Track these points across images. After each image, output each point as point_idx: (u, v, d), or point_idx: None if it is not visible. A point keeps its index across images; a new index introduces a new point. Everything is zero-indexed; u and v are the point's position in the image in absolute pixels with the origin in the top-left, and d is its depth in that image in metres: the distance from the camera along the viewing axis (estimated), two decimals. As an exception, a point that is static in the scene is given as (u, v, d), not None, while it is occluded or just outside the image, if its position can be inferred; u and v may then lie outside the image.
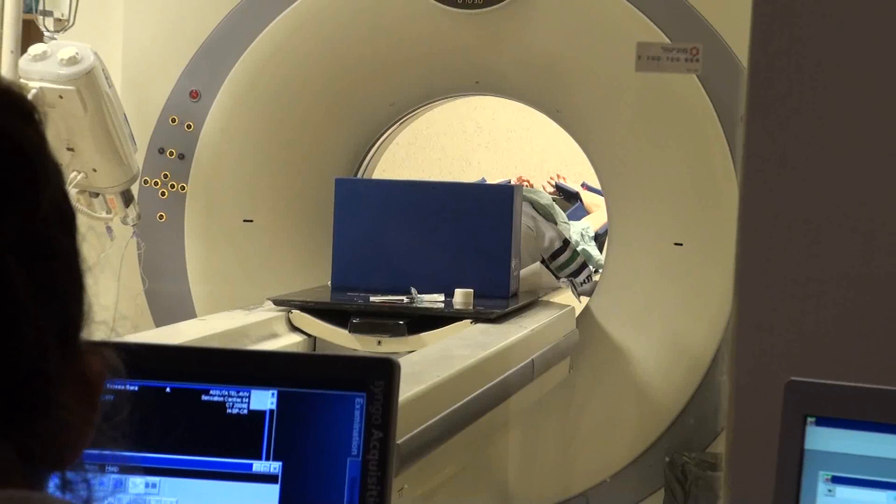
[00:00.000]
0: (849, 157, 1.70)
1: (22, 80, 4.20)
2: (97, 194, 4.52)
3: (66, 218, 0.91)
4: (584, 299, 5.13)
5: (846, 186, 1.70)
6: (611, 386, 4.84)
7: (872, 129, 1.70)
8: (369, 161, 5.20)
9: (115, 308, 4.30)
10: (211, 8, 4.83)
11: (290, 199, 4.98)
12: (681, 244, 4.73)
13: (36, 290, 0.87)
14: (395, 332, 4.31)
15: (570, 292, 5.29)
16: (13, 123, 0.88)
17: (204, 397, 1.46)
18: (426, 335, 4.27)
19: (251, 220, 4.94)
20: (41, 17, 4.48)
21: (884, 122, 1.70)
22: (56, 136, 4.31)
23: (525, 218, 5.08)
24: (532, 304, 4.74)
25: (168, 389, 1.46)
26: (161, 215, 4.89)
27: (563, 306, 4.87)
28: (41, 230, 0.88)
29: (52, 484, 0.92)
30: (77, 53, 4.27)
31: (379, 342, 4.28)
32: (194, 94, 4.86)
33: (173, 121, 4.86)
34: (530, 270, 5.06)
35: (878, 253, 1.70)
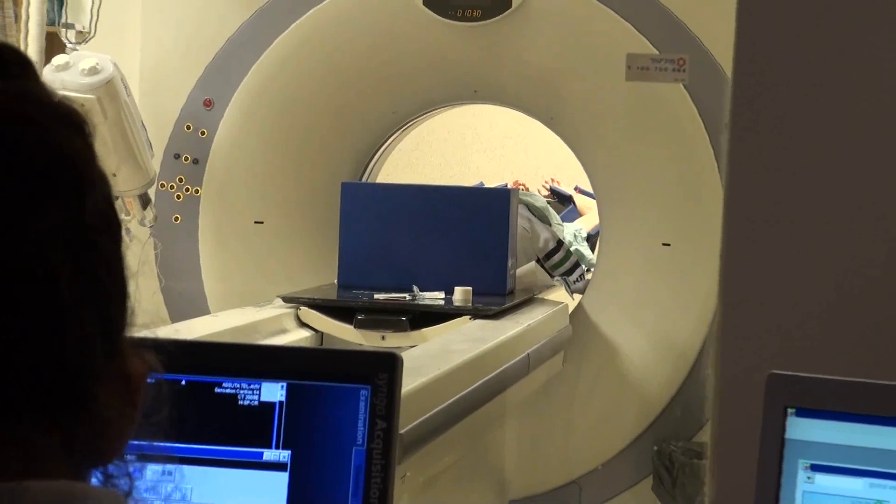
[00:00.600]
0: (827, 162, 1.70)
1: (64, 94, 4.20)
2: (116, 197, 4.49)
3: (111, 225, 0.91)
4: (577, 297, 5.14)
5: (824, 189, 1.70)
6: (602, 379, 4.83)
7: (848, 136, 1.70)
8: (373, 166, 5.19)
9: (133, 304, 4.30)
10: (223, 22, 4.83)
11: (299, 202, 4.97)
12: (668, 244, 4.73)
13: (80, 290, 0.86)
14: (398, 327, 4.31)
15: (564, 290, 5.29)
16: (64, 134, 0.88)
17: (217, 389, 1.46)
18: (427, 330, 4.27)
19: (262, 222, 4.94)
20: (63, 30, 4.48)
21: (859, 129, 1.70)
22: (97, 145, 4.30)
23: (521, 220, 5.08)
24: (528, 302, 4.74)
25: (183, 382, 1.46)
26: (176, 217, 4.88)
27: (556, 303, 4.87)
28: (86, 235, 0.88)
29: (95, 478, 0.92)
30: (97, 64, 4.27)
31: (383, 337, 4.28)
32: (207, 103, 4.86)
33: (188, 128, 4.86)
34: (526, 269, 5.06)
35: (855, 253, 1.70)
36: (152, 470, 1.44)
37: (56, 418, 0.87)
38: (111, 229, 0.91)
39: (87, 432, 0.89)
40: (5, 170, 0.85)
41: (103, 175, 0.90)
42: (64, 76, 4.25)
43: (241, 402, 1.45)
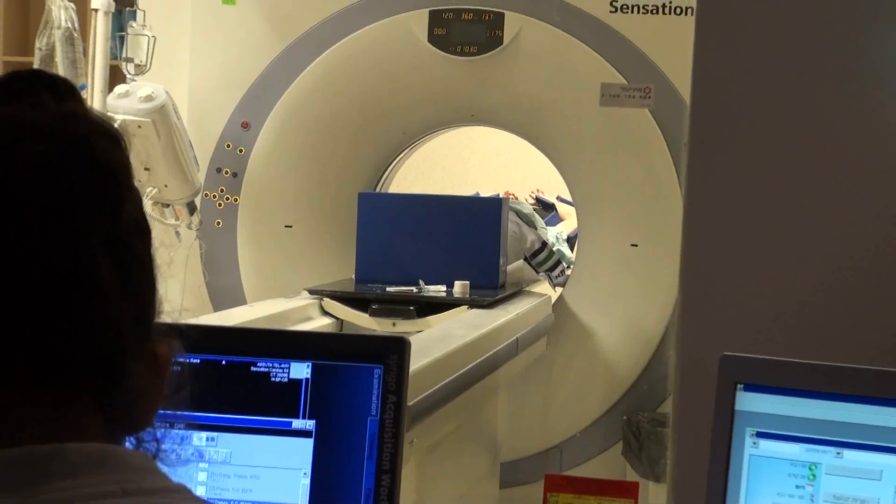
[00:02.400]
0: (770, 173, 1.70)
1: (109, 114, 4.21)
2: (168, 205, 4.52)
3: (142, 229, 0.91)
4: (559, 290, 5.13)
5: (769, 196, 1.70)
6: (580, 359, 4.83)
7: (786, 151, 1.70)
8: (386, 178, 5.19)
9: (181, 296, 4.30)
10: (257, 57, 4.84)
11: (323, 209, 4.97)
12: (636, 245, 4.72)
13: (117, 283, 0.86)
14: (407, 315, 4.31)
15: (548, 284, 5.29)
16: (106, 148, 0.88)
17: (252, 368, 1.45)
18: (431, 318, 4.27)
19: (291, 226, 4.94)
20: (124, 63, 4.48)
21: (797, 145, 1.70)
22: (136, 158, 4.29)
23: (511, 224, 5.08)
24: (517, 294, 4.74)
25: (223, 362, 1.45)
26: (218, 222, 4.88)
27: (541, 295, 4.87)
28: (123, 237, 0.88)
29: (129, 442, 0.92)
30: (152, 92, 4.27)
31: (393, 324, 4.28)
32: (245, 125, 4.86)
33: (228, 146, 4.86)
34: (515, 266, 5.06)
35: (795, 251, 1.69)
36: (198, 437, 1.44)
37: (95, 390, 0.87)
38: (142, 232, 0.91)
39: (122, 403, 0.88)
40: (58, 179, 0.85)
41: (136, 188, 0.91)
42: (124, 103, 4.25)
43: (273, 379, 1.45)
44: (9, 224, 0.83)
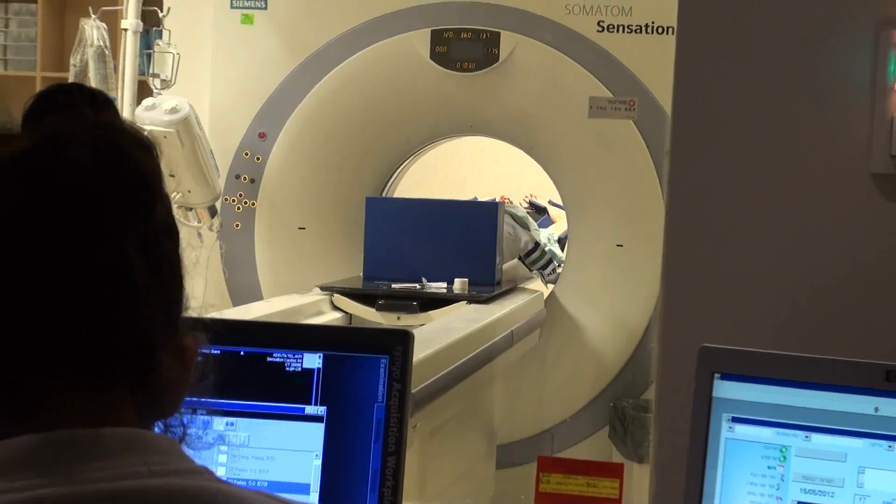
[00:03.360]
0: (744, 179, 1.70)
1: (137, 125, 4.21)
2: (191, 209, 4.53)
3: (171, 231, 0.91)
4: (550, 286, 5.13)
5: (744, 199, 1.70)
6: (570, 350, 4.83)
7: (758, 158, 1.70)
8: (391, 184, 5.19)
9: (203, 291, 4.29)
10: (273, 72, 4.84)
11: (333, 212, 4.97)
12: (622, 245, 4.72)
13: (149, 280, 0.87)
14: (410, 310, 4.31)
15: (540, 281, 5.29)
16: (140, 156, 0.88)
17: (268, 359, 1.46)
18: (433, 313, 4.27)
19: (304, 228, 4.94)
20: (151, 78, 4.49)
21: (769, 152, 1.70)
22: (162, 165, 4.30)
23: (506, 226, 5.08)
24: (512, 290, 4.74)
25: (242, 353, 1.45)
26: (237, 224, 4.88)
27: (534, 292, 4.87)
28: (155, 237, 0.88)
29: (157, 427, 0.92)
30: (177, 105, 4.28)
31: (398, 318, 4.28)
32: (262, 135, 4.86)
33: (246, 154, 4.86)
34: (510, 265, 5.06)
35: (768, 250, 1.69)
36: (219, 422, 1.44)
37: (129, 379, 0.87)
38: (171, 234, 0.91)
39: (152, 391, 0.89)
40: (98, 185, 0.85)
41: (166, 192, 0.91)
42: (151, 114, 4.26)
43: (287, 369, 1.45)
44: (55, 226, 0.84)
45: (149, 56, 4.50)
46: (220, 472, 1.42)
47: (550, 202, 6.80)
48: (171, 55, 4.49)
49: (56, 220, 0.84)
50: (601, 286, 4.80)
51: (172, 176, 4.33)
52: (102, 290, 0.84)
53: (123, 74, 4.40)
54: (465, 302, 4.30)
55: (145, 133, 0.92)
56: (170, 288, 0.90)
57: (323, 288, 4.46)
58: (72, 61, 4.51)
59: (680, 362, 1.57)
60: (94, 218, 0.84)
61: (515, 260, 5.21)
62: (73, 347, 0.85)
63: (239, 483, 0.93)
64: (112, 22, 4.55)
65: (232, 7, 4.86)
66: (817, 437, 1.36)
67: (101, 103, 0.91)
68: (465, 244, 4.62)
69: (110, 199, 0.85)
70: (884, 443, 1.34)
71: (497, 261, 4.68)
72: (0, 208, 0.84)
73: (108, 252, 0.84)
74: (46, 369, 0.85)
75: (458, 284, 4.44)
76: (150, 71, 4.49)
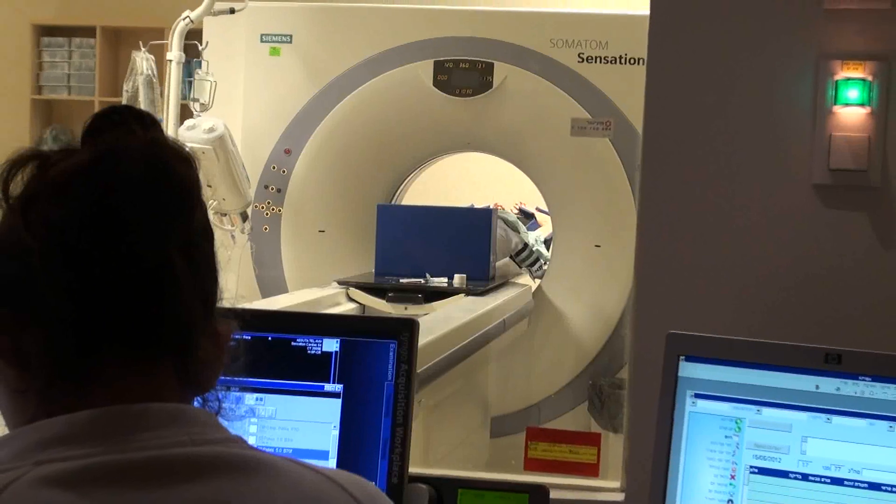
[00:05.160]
0: (705, 188, 1.70)
1: (179, 141, 4.21)
2: (225, 214, 4.53)
3: (208, 232, 0.91)
4: (538, 281, 5.13)
5: (705, 208, 1.70)
6: (554, 336, 4.83)
7: (719, 170, 1.70)
8: (400, 192, 5.19)
9: (236, 285, 4.30)
10: (297, 96, 4.84)
11: (349, 217, 4.97)
12: (599, 246, 4.72)
13: (189, 275, 0.87)
14: (416, 301, 4.31)
15: (529, 277, 5.28)
16: (182, 168, 0.88)
17: (293, 343, 1.46)
18: (436, 304, 4.27)
19: (323, 231, 4.94)
20: (192, 102, 4.49)
21: (726, 167, 1.70)
22: (201, 177, 4.30)
23: (499, 229, 5.08)
24: (504, 285, 4.74)
25: (269, 338, 1.46)
26: (265, 227, 4.88)
27: (523, 286, 4.87)
28: (194, 239, 0.88)
29: (196, 402, 0.93)
30: (214, 125, 4.28)
31: (406, 308, 4.28)
32: (287, 151, 4.86)
33: (273, 168, 4.86)
34: (503, 263, 5.06)
35: (724, 249, 1.69)
36: (249, 397, 1.44)
37: (173, 361, 0.88)
38: (207, 235, 0.91)
39: (192, 371, 0.89)
40: (148, 194, 0.86)
41: (202, 198, 0.91)
42: (192, 133, 4.26)
43: (309, 352, 1.45)
44: (112, 230, 0.84)
45: (190, 83, 4.50)
46: (252, 441, 1.42)
47: (537, 209, 6.77)
48: (209, 82, 4.49)
49: (111, 223, 0.84)
50: (581, 281, 4.80)
51: (209, 186, 4.34)
52: (150, 285, 0.85)
53: (168, 99, 4.40)
54: (464, 294, 4.30)
55: (186, 149, 0.92)
56: (206, 281, 0.90)
57: (340, 282, 4.46)
58: (125, 88, 4.51)
59: (650, 346, 1.57)
60: (144, 221, 0.85)
61: (507, 258, 5.20)
62: (127, 334, 0.85)
63: (267, 450, 0.93)
64: (159, 54, 4.55)
65: (261, 41, 4.86)
66: (767, 411, 1.36)
67: (149, 122, 0.91)
68: (463, 244, 4.62)
69: (158, 207, 0.85)
70: (823, 416, 1.34)
71: (491, 259, 4.68)
72: (63, 214, 0.84)
73: (155, 251, 0.85)
74: (105, 354, 0.85)
75: (458, 279, 4.44)
76: (191, 96, 4.49)
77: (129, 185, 0.85)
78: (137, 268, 0.84)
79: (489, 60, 4.74)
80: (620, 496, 1.70)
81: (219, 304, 0.92)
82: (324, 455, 1.42)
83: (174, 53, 4.39)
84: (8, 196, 0.86)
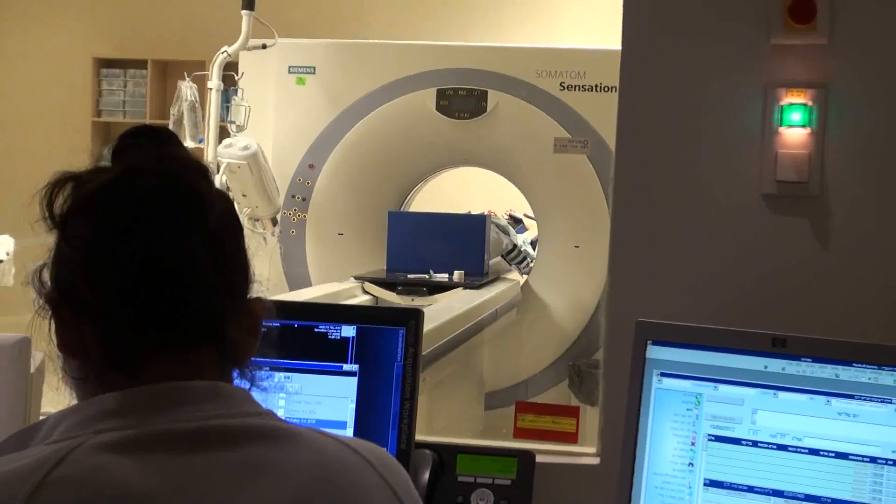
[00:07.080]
0: (670, 194, 1.70)
1: (218, 159, 4.22)
2: (258, 219, 4.53)
3: (232, 226, 0.90)
4: (525, 277, 5.14)
5: (669, 212, 1.70)
6: (539, 323, 4.84)
7: (681, 180, 1.69)
8: (408, 201, 5.20)
9: (268, 280, 4.29)
10: (319, 119, 4.85)
11: (364, 222, 4.98)
12: (578, 246, 4.73)
13: (213, 269, 0.86)
14: (421, 294, 4.32)
15: (518, 273, 5.29)
16: (192, 177, 0.88)
17: (315, 329, 1.45)
18: (438, 296, 4.28)
19: (342, 234, 4.94)
20: (229, 124, 4.49)
21: (693, 182, 1.69)
22: (236, 188, 4.31)
23: (492, 232, 5.08)
24: (496, 280, 4.74)
25: (296, 325, 1.45)
26: (293, 231, 4.89)
27: (513, 281, 4.88)
28: (215, 234, 0.87)
29: (234, 376, 0.92)
30: (248, 144, 4.28)
31: (413, 300, 4.28)
32: (311, 166, 4.87)
33: (299, 180, 4.87)
34: (495, 261, 5.06)
35: (688, 248, 1.69)
36: (278, 376, 1.43)
37: (211, 343, 0.87)
38: (233, 229, 0.90)
39: (227, 352, 0.88)
40: (162, 201, 0.85)
41: (225, 199, 0.90)
42: (229, 151, 4.27)
43: (329, 337, 1.45)
44: (134, 236, 0.84)
45: (228, 108, 4.51)
46: (281, 413, 1.42)
47: (525, 215, 6.77)
48: (244, 107, 4.49)
49: (132, 231, 0.84)
50: (563, 276, 4.80)
51: (244, 195, 4.33)
52: (172, 281, 0.84)
53: (209, 121, 4.41)
54: (462, 288, 4.30)
55: (224, 165, 0.91)
56: (232, 273, 0.89)
57: (356, 277, 4.46)
58: (171, 112, 4.51)
59: (621, 332, 1.56)
60: (163, 225, 0.85)
61: (499, 257, 5.20)
62: (162, 325, 0.85)
63: (294, 421, 0.93)
64: (201, 83, 4.55)
65: (289, 72, 4.87)
66: (723, 388, 1.36)
67: (164, 138, 0.91)
68: (461, 245, 4.63)
69: (171, 212, 0.85)
70: (770, 391, 1.34)
71: (485, 258, 4.68)
72: (93, 227, 0.84)
73: (175, 249, 0.84)
74: (150, 339, 0.85)
75: (457, 275, 4.44)
76: (229, 119, 4.49)
77: (146, 196, 0.85)
78: (158, 267, 0.84)
79: (483, 88, 4.75)
80: (596, 460, 1.69)
81: (251, 295, 0.91)
82: (342, 425, 1.42)
83: (214, 82, 4.39)
84: (54, 215, 0.86)
